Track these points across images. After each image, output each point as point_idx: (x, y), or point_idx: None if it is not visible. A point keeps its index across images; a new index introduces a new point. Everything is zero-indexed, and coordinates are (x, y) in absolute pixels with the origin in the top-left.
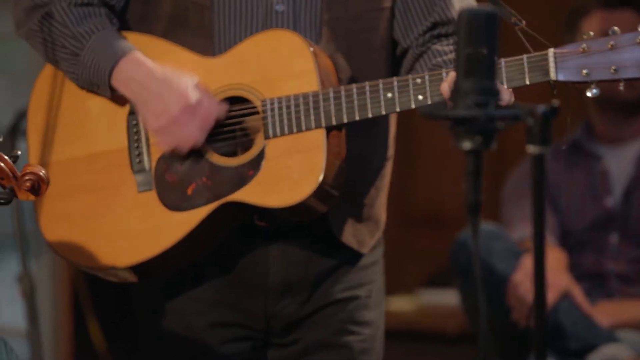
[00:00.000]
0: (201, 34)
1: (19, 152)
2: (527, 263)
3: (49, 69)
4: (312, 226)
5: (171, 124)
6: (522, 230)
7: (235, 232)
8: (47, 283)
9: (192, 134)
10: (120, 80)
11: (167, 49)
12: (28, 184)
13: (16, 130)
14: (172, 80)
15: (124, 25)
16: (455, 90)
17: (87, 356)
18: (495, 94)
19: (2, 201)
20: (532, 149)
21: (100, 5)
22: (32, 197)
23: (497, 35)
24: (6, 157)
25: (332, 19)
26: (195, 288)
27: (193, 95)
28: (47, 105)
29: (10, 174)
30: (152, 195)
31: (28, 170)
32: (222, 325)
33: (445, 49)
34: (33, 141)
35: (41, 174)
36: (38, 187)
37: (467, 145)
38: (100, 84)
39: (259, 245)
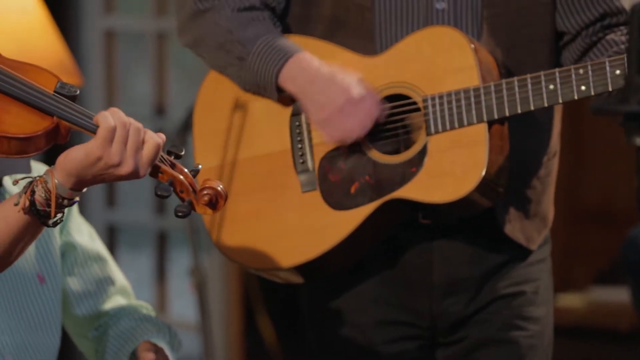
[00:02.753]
0: (361, 35)
1: (200, 167)
2: None
3: (213, 74)
4: (476, 223)
5: (335, 115)
6: None
7: (399, 229)
8: (217, 277)
9: (355, 126)
10: (287, 79)
11: (329, 50)
12: (206, 198)
13: (188, 125)
14: (337, 76)
15: (284, 27)
16: (627, 85)
17: (258, 351)
18: None
19: (180, 214)
20: None
21: (263, 9)
22: (209, 212)
23: None
24: (186, 171)
25: (492, 14)
26: (357, 285)
27: (357, 90)
28: (212, 109)
29: (190, 188)
30: (316, 195)
31: (207, 185)
32: (388, 323)
33: (623, 38)
34: (199, 145)
35: (219, 188)
36: (216, 201)
37: (638, 141)
38: (267, 87)
39: (423, 242)
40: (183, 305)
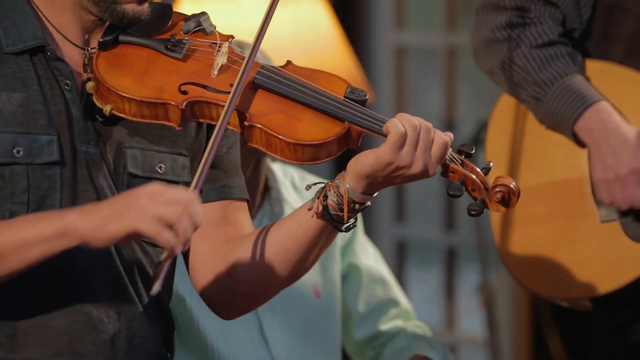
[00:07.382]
0: None
1: (491, 164)
2: None
3: (506, 96)
4: None
5: (615, 181)
6: None
7: None
8: (506, 293)
9: (632, 197)
10: (583, 129)
11: (627, 76)
12: (499, 195)
13: (477, 140)
14: (632, 141)
15: (582, 47)
16: None
17: None
18: None
19: (473, 212)
20: None
21: (562, 43)
22: (502, 209)
23: None
24: (478, 169)
25: None
26: None
27: None
28: (505, 131)
29: (482, 186)
30: (616, 226)
31: (499, 182)
32: None
33: None
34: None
35: (512, 185)
36: (508, 199)
37: None
38: (563, 130)
39: None
40: (471, 322)
